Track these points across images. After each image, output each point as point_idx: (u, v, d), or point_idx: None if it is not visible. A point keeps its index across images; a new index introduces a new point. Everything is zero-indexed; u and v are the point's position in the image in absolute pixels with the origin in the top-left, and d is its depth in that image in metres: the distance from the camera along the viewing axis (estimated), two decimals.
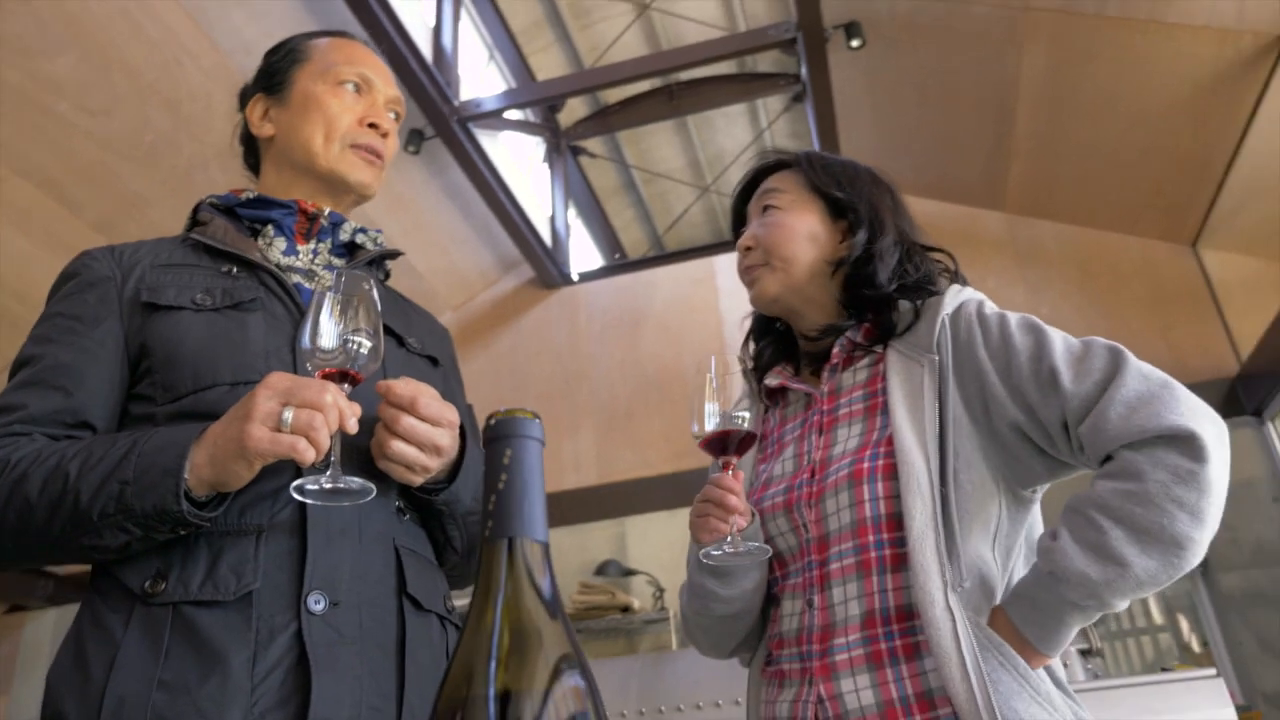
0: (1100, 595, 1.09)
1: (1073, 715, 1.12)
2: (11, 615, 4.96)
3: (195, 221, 1.30)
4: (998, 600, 1.19)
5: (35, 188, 3.64)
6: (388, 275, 1.42)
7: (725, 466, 1.26)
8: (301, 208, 1.29)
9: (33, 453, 1.04)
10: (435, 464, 1.10)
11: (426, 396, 1.08)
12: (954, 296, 1.35)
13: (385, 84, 1.38)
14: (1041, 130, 4.37)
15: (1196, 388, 1.18)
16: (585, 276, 5.63)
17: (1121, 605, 1.12)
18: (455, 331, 1.77)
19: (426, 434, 1.07)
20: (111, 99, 3.53)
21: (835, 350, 1.40)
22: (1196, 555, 1.09)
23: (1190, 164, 4.10)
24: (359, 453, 1.10)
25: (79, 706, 0.97)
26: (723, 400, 1.23)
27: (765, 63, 5.71)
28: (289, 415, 0.96)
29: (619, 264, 6.19)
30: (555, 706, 0.48)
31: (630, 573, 4.64)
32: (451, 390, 1.35)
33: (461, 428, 1.16)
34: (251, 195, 1.30)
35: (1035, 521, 1.30)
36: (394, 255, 1.39)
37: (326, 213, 1.30)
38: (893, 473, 1.22)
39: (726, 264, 5.30)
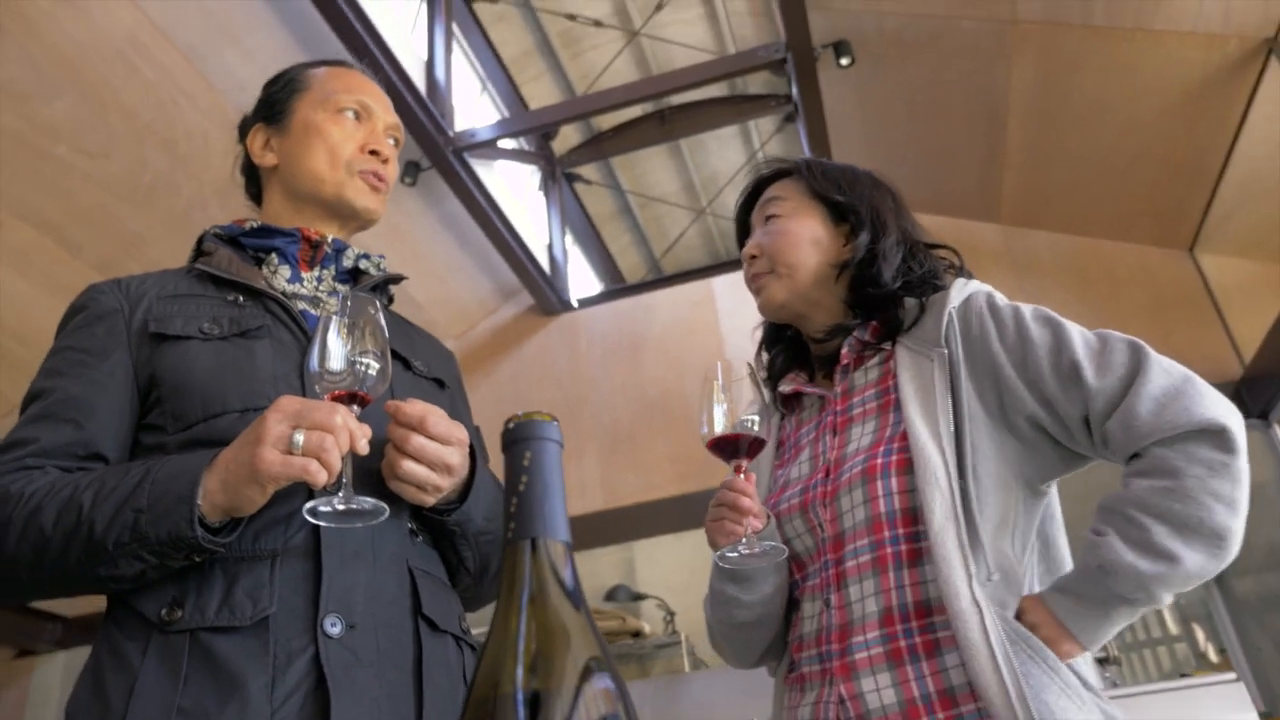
0: (1150, 588, 1.10)
1: (1099, 710, 1.11)
2: (20, 660, 4.94)
3: (200, 252, 1.31)
4: (1022, 593, 1.19)
5: (35, 230, 3.65)
6: (391, 300, 1.42)
7: (737, 470, 1.25)
8: (305, 235, 1.30)
9: (46, 485, 1.04)
10: (446, 483, 1.10)
11: (435, 415, 1.09)
12: (960, 290, 1.35)
13: (384, 111, 1.39)
14: (1033, 141, 4.40)
15: None
16: (584, 302, 5.65)
17: (1167, 600, 1.13)
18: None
19: (437, 452, 1.08)
20: (109, 140, 3.55)
21: (844, 351, 1.41)
22: (1235, 545, 1.11)
23: (1183, 169, 4.12)
24: (370, 475, 1.10)
25: None
26: (732, 404, 1.23)
27: (756, 84, 5.75)
28: (300, 438, 0.96)
29: (618, 289, 6.22)
30: (586, 703, 0.48)
31: (640, 597, 4.62)
32: (459, 412, 1.36)
33: (471, 449, 1.16)
34: (255, 225, 1.31)
35: (1049, 514, 1.30)
36: (397, 280, 1.40)
37: (330, 239, 1.31)
38: (907, 467, 1.22)
39: (725, 285, 5.32)
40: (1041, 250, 4.85)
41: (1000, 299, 1.34)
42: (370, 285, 1.33)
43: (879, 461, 1.25)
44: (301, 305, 1.26)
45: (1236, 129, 3.81)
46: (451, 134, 4.46)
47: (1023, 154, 4.50)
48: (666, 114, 5.82)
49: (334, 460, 0.96)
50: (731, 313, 5.15)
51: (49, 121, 3.38)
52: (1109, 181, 4.41)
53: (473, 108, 5.82)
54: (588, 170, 6.74)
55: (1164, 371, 1.18)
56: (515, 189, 6.05)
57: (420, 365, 1.33)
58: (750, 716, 3.13)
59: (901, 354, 1.34)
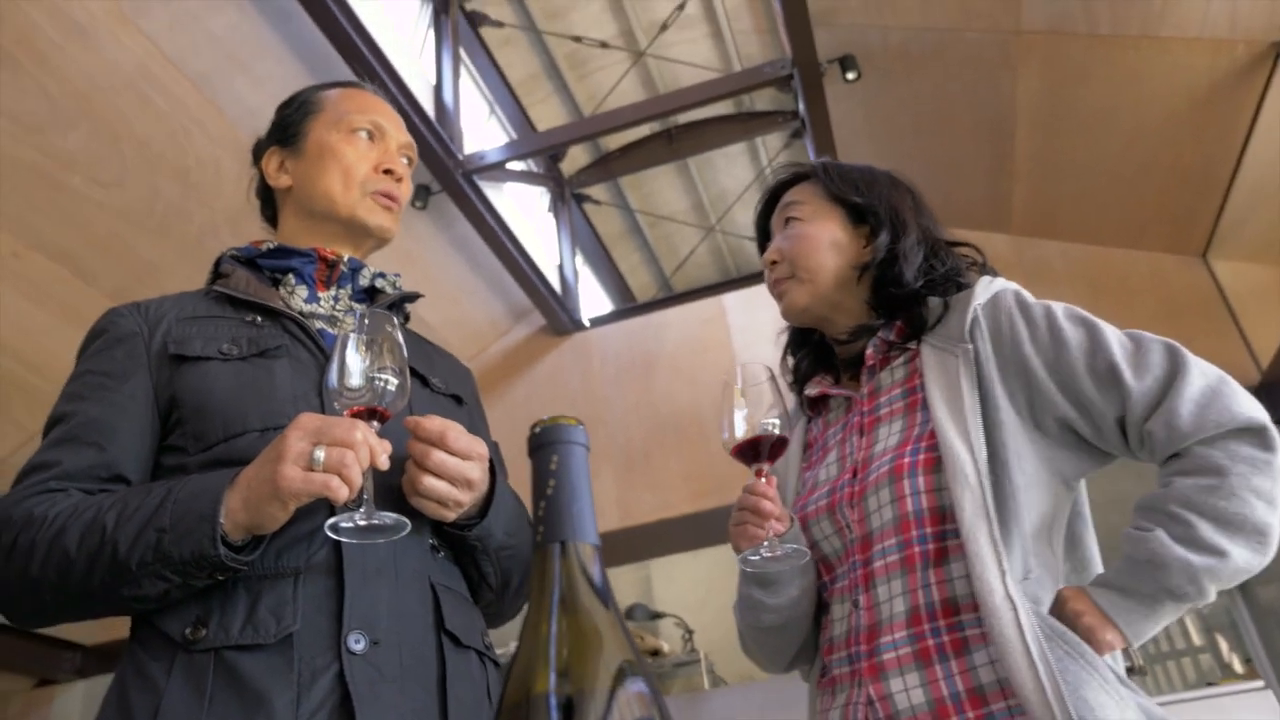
0: (1200, 581, 1.09)
1: (1136, 706, 1.10)
2: (40, 689, 4.94)
3: (217, 274, 1.32)
4: (1057, 587, 1.18)
5: (50, 261, 3.68)
6: (407, 318, 1.43)
7: (758, 474, 1.25)
8: (321, 255, 1.31)
9: (69, 507, 1.05)
10: (467, 498, 1.10)
11: (455, 430, 1.09)
12: (986, 287, 1.35)
13: (397, 130, 1.40)
14: (1041, 151, 4.40)
15: None
16: (596, 322, 5.65)
17: (1212, 596, 1.12)
18: None
19: (457, 468, 1.08)
20: (122, 170, 3.59)
21: (869, 351, 1.40)
22: (1275, 542, 1.11)
23: (1193, 175, 4.11)
24: (391, 492, 1.10)
25: None
26: (752, 409, 1.23)
27: (762, 101, 5.77)
28: (320, 454, 0.96)
29: (629, 308, 6.22)
30: (620, 706, 0.48)
31: (658, 615, 4.61)
32: (477, 428, 1.36)
33: (491, 464, 1.17)
34: (271, 246, 1.32)
35: (1076, 512, 1.29)
36: (413, 298, 1.41)
37: (346, 259, 1.32)
38: (934, 466, 1.22)
39: (736, 302, 5.32)
40: (1053, 260, 4.84)
41: (1029, 297, 1.33)
42: (386, 304, 1.34)
43: (906, 461, 1.25)
44: (319, 324, 1.27)
45: (1246, 133, 3.80)
46: (461, 157, 4.48)
47: (1031, 164, 4.50)
48: (674, 133, 5.84)
49: (355, 476, 0.97)
50: (743, 329, 5.15)
51: (63, 153, 3.41)
52: (1119, 189, 4.40)
53: (481, 131, 5.86)
54: (596, 190, 6.77)
55: (1201, 373, 1.19)
56: (525, 210, 6.08)
57: (438, 382, 1.34)
58: None
59: (927, 352, 1.34)
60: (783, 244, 1.48)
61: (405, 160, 1.41)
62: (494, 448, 1.33)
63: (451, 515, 1.11)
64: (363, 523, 0.97)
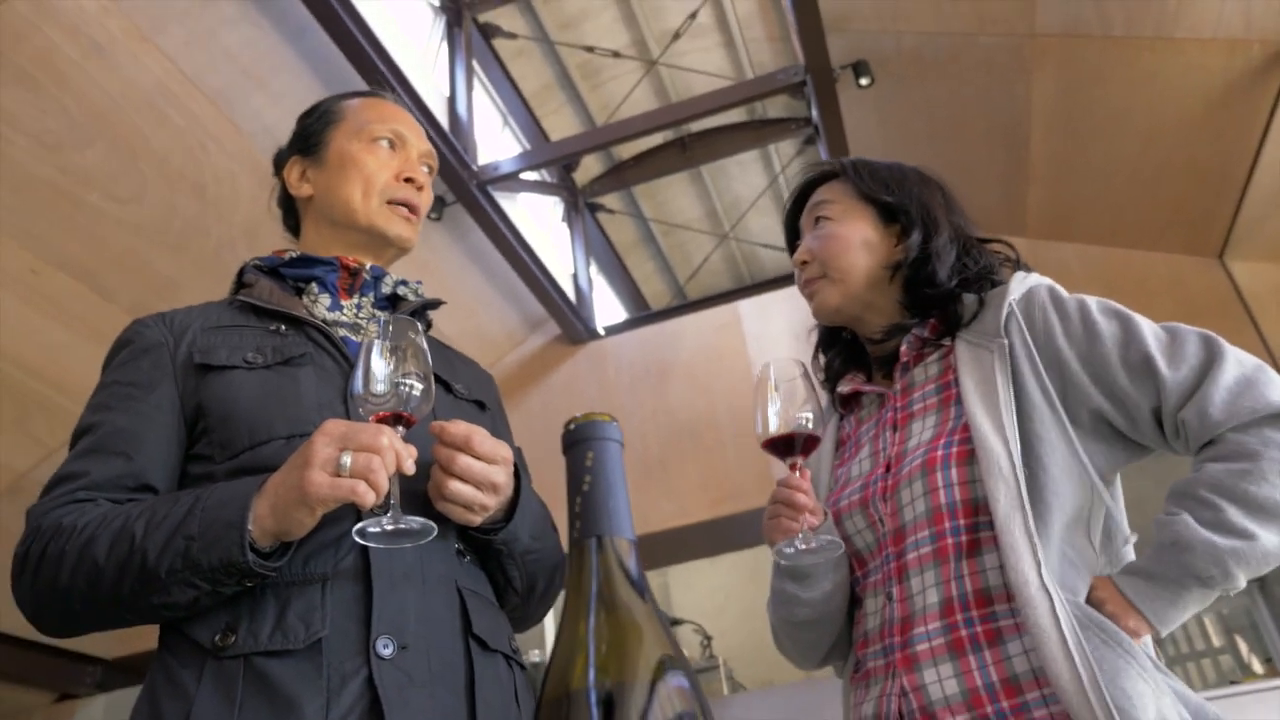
0: (1226, 565, 1.08)
1: (1170, 690, 1.09)
2: (61, 704, 4.96)
3: (241, 284, 1.32)
4: (1091, 578, 1.18)
5: (69, 277, 3.71)
6: (429, 325, 1.43)
7: (792, 467, 1.25)
8: (343, 264, 1.31)
9: (98, 517, 1.05)
10: (493, 502, 1.11)
11: (480, 435, 1.09)
12: (1020, 282, 1.35)
13: (417, 139, 1.41)
14: (1057, 154, 4.39)
15: None
16: (611, 330, 5.67)
17: (1241, 582, 1.11)
18: None
19: (483, 472, 1.08)
20: (140, 187, 3.62)
21: (904, 349, 1.39)
22: None
23: (1210, 176, 4.10)
24: (417, 497, 1.10)
25: None
26: (785, 403, 1.23)
27: (775, 108, 5.79)
28: (347, 460, 0.96)
29: (644, 316, 6.23)
30: (661, 699, 0.48)
31: (676, 622, 4.60)
32: (500, 433, 1.36)
33: (515, 468, 1.17)
34: (294, 255, 1.33)
35: (1115, 503, 1.28)
36: (435, 305, 1.41)
37: (368, 267, 1.32)
38: (968, 459, 1.22)
39: (750, 308, 5.32)
40: (1071, 262, 4.83)
41: (1063, 292, 1.33)
42: (409, 311, 1.34)
43: (939, 454, 1.24)
44: (342, 332, 1.27)
45: (1262, 133, 3.79)
46: (475, 168, 4.51)
47: (1047, 167, 4.49)
48: (687, 141, 5.85)
49: (381, 481, 0.97)
50: (758, 335, 5.15)
51: (81, 170, 3.44)
52: (1135, 191, 4.39)
53: (495, 142, 5.88)
54: (610, 200, 6.79)
55: (1238, 361, 1.18)
56: (539, 220, 6.10)
57: (461, 388, 1.34)
58: None
59: (961, 348, 1.33)
60: (813, 244, 1.47)
61: (426, 169, 1.42)
62: (517, 452, 1.34)
63: (477, 519, 1.11)
64: (390, 527, 0.98)
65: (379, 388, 1.02)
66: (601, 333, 5.62)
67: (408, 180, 1.36)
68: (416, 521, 0.98)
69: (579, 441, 0.55)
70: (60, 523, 1.06)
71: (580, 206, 6.22)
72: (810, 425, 1.22)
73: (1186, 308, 4.48)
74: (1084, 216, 4.70)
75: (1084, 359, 1.24)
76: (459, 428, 1.09)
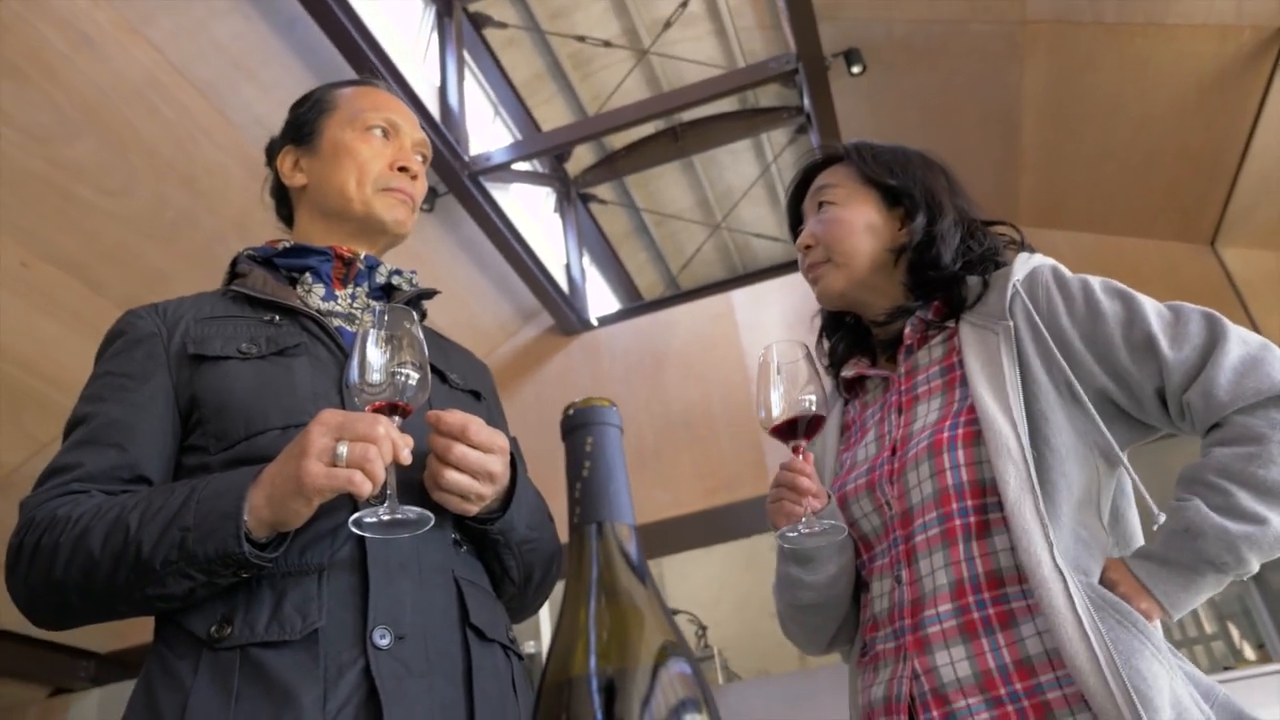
0: (1239, 550, 1.08)
1: (1182, 673, 1.10)
2: (55, 698, 4.95)
3: (234, 274, 1.32)
4: (1102, 560, 1.18)
5: (60, 270, 3.70)
6: (424, 315, 1.43)
7: (795, 450, 1.25)
8: (337, 253, 1.30)
9: (93, 508, 1.05)
10: (489, 491, 1.10)
11: (476, 424, 1.09)
12: (1024, 263, 1.35)
13: (411, 127, 1.40)
14: (1049, 141, 4.39)
15: None
16: (604, 321, 5.66)
17: (1255, 566, 1.11)
18: None
19: (479, 461, 1.08)
20: (130, 179, 3.60)
21: (907, 331, 1.39)
22: None
23: (1201, 163, 4.10)
24: (413, 487, 1.10)
25: None
26: (789, 386, 1.22)
27: (767, 97, 5.77)
28: (343, 449, 0.96)
29: (637, 306, 6.23)
30: (663, 684, 0.48)
31: (671, 613, 4.61)
32: (496, 422, 1.36)
33: (512, 458, 1.16)
34: (288, 245, 1.32)
35: (1120, 487, 1.28)
36: (430, 295, 1.41)
37: (362, 256, 1.32)
38: (974, 440, 1.22)
39: (743, 298, 5.32)
40: (1063, 250, 4.79)
41: (1066, 272, 1.33)
42: (404, 300, 1.34)
43: (945, 435, 1.24)
44: (337, 322, 1.26)
45: (1254, 120, 3.79)
46: (466, 159, 4.49)
47: (1039, 154, 4.49)
48: (679, 131, 5.84)
49: (378, 470, 0.96)
50: (751, 325, 5.15)
51: (71, 163, 3.42)
52: (1127, 178, 4.39)
53: (486, 132, 5.86)
54: (602, 190, 6.77)
55: (1242, 341, 1.18)
56: (531, 211, 6.09)
57: (456, 378, 1.34)
58: None
59: (965, 330, 1.33)
60: (817, 228, 1.46)
61: (420, 158, 1.41)
62: (513, 442, 1.33)
63: (474, 509, 1.11)
64: (386, 517, 0.97)
65: (374, 377, 1.01)
66: (595, 323, 5.62)
67: (402, 169, 1.35)
68: (413, 511, 0.98)
69: (578, 427, 0.55)
70: (55, 514, 1.06)
71: (572, 197, 6.20)
72: (813, 408, 1.21)
73: (1179, 295, 4.40)
74: (1076, 204, 4.70)
75: (1087, 339, 1.24)
76: (455, 417, 1.08)
